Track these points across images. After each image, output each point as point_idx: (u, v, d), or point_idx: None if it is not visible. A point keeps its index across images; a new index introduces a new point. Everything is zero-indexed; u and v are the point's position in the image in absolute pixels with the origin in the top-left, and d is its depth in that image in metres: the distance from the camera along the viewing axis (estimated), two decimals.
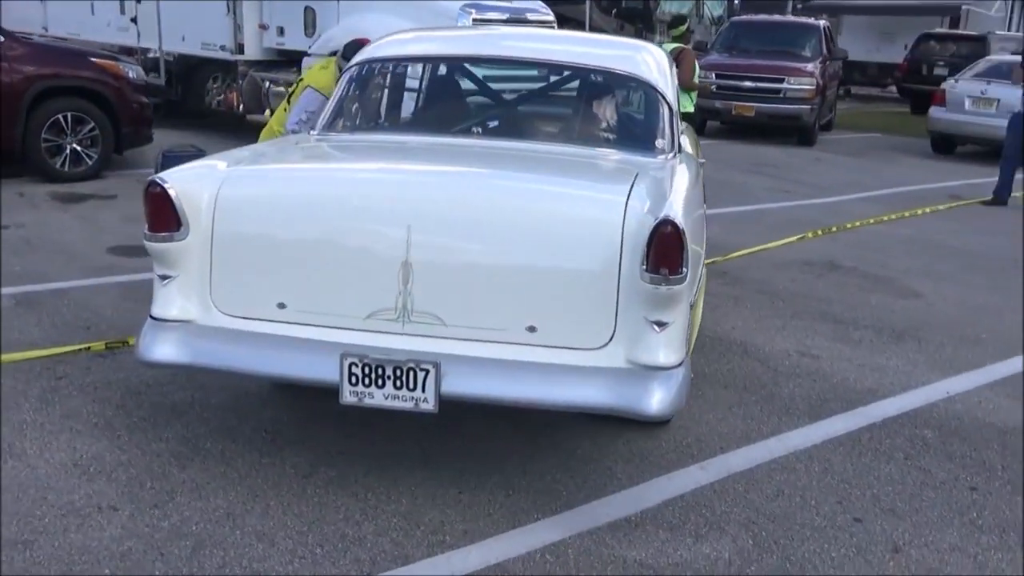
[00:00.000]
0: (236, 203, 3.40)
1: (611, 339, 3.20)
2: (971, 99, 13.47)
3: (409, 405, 3.19)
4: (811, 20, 16.49)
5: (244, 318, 3.40)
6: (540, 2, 10.74)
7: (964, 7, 23.87)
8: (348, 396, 3.22)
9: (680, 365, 3.20)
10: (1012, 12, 24.93)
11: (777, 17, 17.77)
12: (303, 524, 3.28)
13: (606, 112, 4.45)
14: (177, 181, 3.38)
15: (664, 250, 3.07)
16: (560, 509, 3.46)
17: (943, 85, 14.34)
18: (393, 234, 3.25)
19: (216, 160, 3.69)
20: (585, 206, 3.37)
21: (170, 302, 3.45)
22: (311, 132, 4.47)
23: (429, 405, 3.17)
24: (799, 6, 26.61)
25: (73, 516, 3.24)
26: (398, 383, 3.17)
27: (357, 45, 5.11)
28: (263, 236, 3.40)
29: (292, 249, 3.38)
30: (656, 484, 3.67)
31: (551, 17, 10.43)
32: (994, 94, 13.17)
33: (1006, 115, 11.11)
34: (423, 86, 4.70)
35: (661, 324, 3.16)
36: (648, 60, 4.51)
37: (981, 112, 13.27)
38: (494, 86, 4.80)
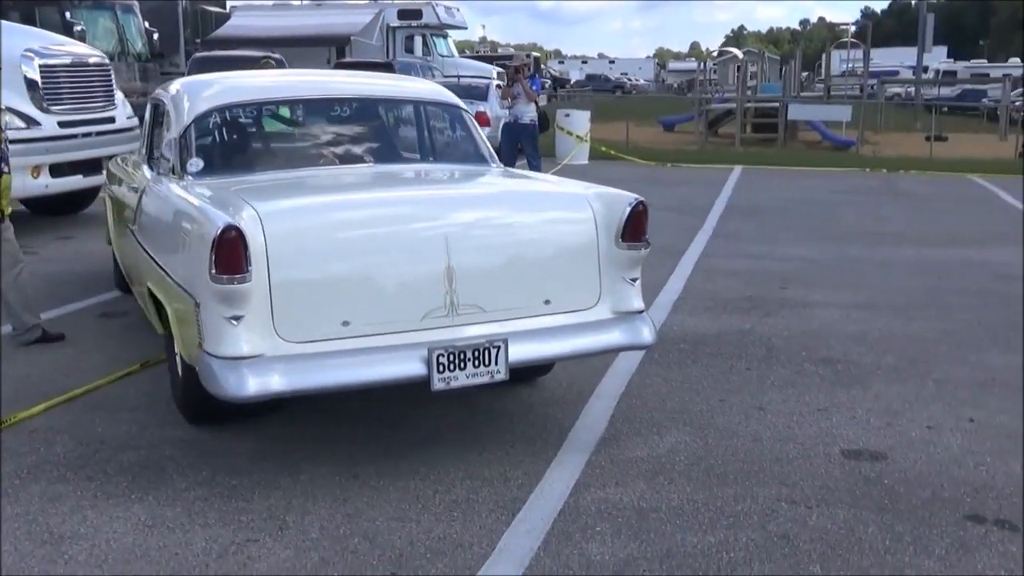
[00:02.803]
0: (286, 239, 3.71)
1: (599, 299, 4.23)
2: None
3: (486, 379, 3.89)
4: None
5: (311, 341, 3.73)
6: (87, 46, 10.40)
7: (353, 37, 26.83)
8: (437, 383, 3.80)
9: (645, 308, 4.36)
10: (388, 41, 28.58)
11: (229, 52, 18.47)
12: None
13: (444, 133, 5.29)
14: (240, 223, 3.58)
15: (635, 227, 4.20)
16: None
17: None
18: (435, 245, 3.89)
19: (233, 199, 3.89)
20: (567, 209, 4.32)
21: (241, 340, 3.63)
22: (184, 175, 4.60)
23: (502, 374, 3.91)
24: None
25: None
26: (476, 363, 3.85)
27: None
28: (318, 267, 3.76)
29: (346, 272, 3.80)
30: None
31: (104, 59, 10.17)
32: None
33: None
34: (272, 129, 5.04)
35: (634, 279, 4.28)
36: (446, 90, 5.46)
37: None
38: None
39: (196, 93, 5.02)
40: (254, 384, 3.59)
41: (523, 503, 3.79)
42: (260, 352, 3.66)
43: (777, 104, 22.87)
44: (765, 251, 9.17)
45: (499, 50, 64.43)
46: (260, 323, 3.67)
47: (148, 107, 6.05)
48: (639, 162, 17.46)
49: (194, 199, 4.16)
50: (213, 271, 3.55)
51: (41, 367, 5.40)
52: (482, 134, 5.28)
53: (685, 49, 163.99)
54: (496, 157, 5.25)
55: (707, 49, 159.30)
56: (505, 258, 4.07)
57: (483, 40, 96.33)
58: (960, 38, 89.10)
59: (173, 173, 4.80)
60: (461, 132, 5.27)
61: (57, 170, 9.08)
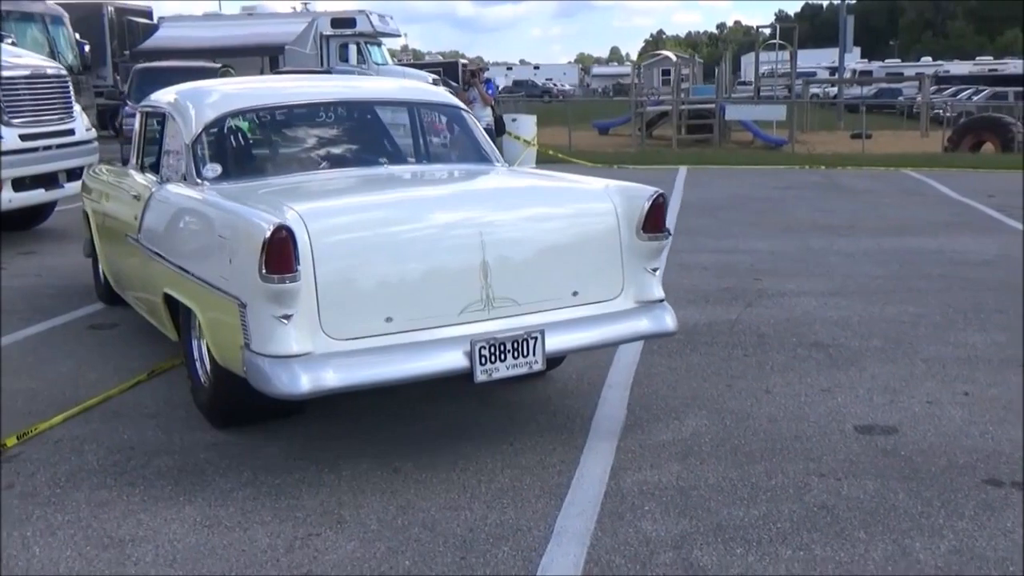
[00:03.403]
0: (329, 238, 3.77)
1: (623, 289, 4.38)
2: None
3: (525, 369, 4.01)
4: None
5: (356, 338, 3.80)
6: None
7: (287, 46, 26.64)
8: (480, 375, 3.90)
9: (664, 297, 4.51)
10: (322, 50, 28.46)
11: (178, 63, 18.23)
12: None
13: (449, 134, 5.39)
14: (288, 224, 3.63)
15: (655, 218, 4.35)
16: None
17: None
18: (471, 241, 3.99)
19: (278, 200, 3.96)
20: (590, 203, 4.44)
21: (291, 338, 3.69)
22: (200, 181, 4.63)
23: (539, 364, 4.02)
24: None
25: None
26: (516, 354, 3.96)
27: None
28: (361, 265, 3.84)
29: (386, 269, 3.88)
30: None
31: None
32: None
33: None
34: (285, 133, 5.07)
35: (655, 270, 4.44)
36: (445, 92, 5.56)
37: None
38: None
39: (205, 99, 5.04)
40: (307, 381, 3.65)
41: (567, 488, 3.90)
42: (309, 350, 3.72)
43: (712, 106, 23.39)
44: (730, 245, 9.43)
45: (426, 58, 64.37)
46: (308, 321, 3.72)
47: (140, 116, 6.03)
48: (586, 164, 17.69)
49: (226, 203, 4.19)
50: (264, 271, 3.60)
51: (47, 381, 5.34)
52: (484, 134, 5.39)
53: (605, 54, 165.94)
54: (500, 156, 5.37)
55: (627, 54, 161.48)
56: (535, 252, 4.19)
57: (404, 48, 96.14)
58: (872, 39, 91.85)
59: (185, 180, 4.81)
60: (465, 132, 5.37)
61: (19, 184, 8.92)
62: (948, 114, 33.43)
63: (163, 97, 5.59)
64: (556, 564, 3.30)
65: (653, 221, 4.35)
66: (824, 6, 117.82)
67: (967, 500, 3.76)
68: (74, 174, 9.66)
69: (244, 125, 4.90)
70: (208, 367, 4.58)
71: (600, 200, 4.41)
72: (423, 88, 5.69)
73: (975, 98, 35.84)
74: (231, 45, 26.04)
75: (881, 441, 4.37)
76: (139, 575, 3.25)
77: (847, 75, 42.47)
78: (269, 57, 26.94)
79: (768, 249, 9.24)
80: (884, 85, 45.28)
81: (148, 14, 30.72)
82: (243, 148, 4.90)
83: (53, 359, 5.75)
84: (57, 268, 8.46)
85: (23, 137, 8.96)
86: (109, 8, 27.62)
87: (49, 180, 9.28)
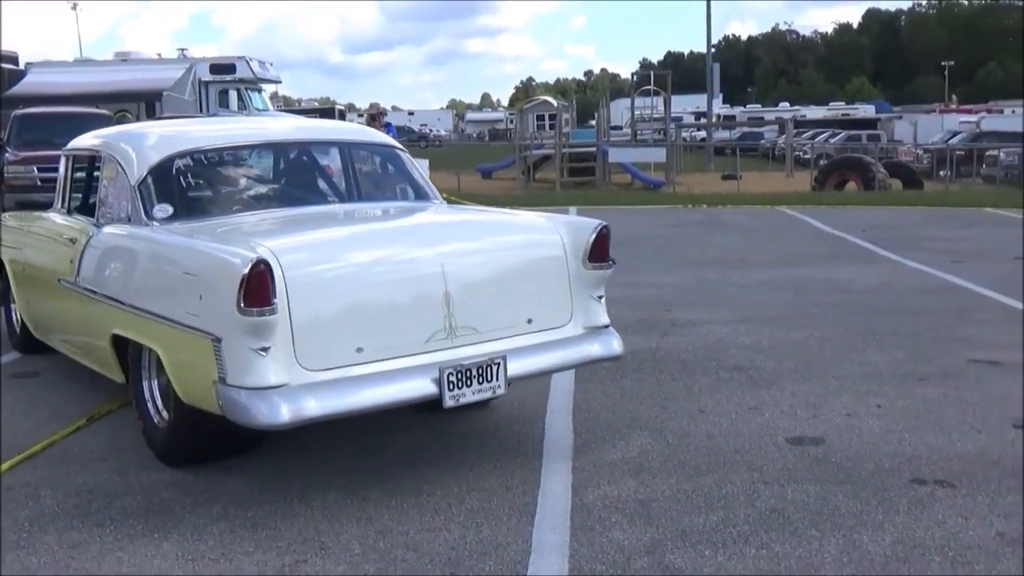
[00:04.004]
0: (300, 272, 3.89)
1: (571, 317, 4.62)
2: None
3: (489, 394, 4.20)
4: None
5: (330, 368, 3.92)
6: None
7: (165, 92, 26.18)
8: (448, 401, 4.06)
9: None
10: (201, 96, 28.06)
11: (63, 109, 17.72)
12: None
13: (388, 173, 5.53)
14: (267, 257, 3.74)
15: (600, 248, 4.62)
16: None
17: None
18: (433, 272, 4.17)
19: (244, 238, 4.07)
20: (539, 234, 4.67)
21: (268, 370, 3.78)
22: (149, 222, 4.66)
23: (502, 389, 4.22)
24: None
25: None
26: (480, 379, 4.14)
27: None
28: (331, 298, 3.96)
29: (355, 301, 4.02)
30: None
31: None
32: None
33: None
34: (232, 173, 5.13)
35: (600, 297, 4.70)
36: (380, 133, 5.74)
37: None
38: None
39: (148, 141, 5.09)
40: (287, 411, 3.74)
41: (535, 505, 4.09)
42: (286, 381, 3.81)
43: (593, 149, 24.14)
44: (635, 279, 9.80)
45: (299, 104, 64.05)
46: (284, 353, 3.82)
47: (66, 160, 5.99)
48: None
49: (189, 241, 4.25)
50: (242, 304, 3.68)
51: None
52: (421, 172, 5.59)
53: (477, 100, 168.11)
54: (438, 194, 5.57)
55: (498, 100, 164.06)
56: (492, 281, 4.39)
57: (275, 96, 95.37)
58: (731, 86, 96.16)
59: (130, 221, 4.83)
60: (402, 171, 5.55)
61: None
62: (808, 156, 35.44)
63: (96, 140, 5.58)
64: (543, 574, 3.47)
65: (598, 251, 4.62)
66: (685, 54, 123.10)
67: (899, 498, 4.11)
68: None
69: (190, 166, 4.94)
70: (161, 406, 4.60)
71: (548, 232, 4.66)
72: (360, 129, 5.86)
73: (831, 140, 38.09)
74: (106, 91, 25.38)
75: (812, 451, 4.71)
76: None
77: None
78: (146, 103, 26.44)
79: (670, 282, 9.67)
80: (747, 129, 47.63)
81: (14, 59, 29.75)
82: (191, 188, 4.94)
83: None
84: None
85: None
86: None
87: None
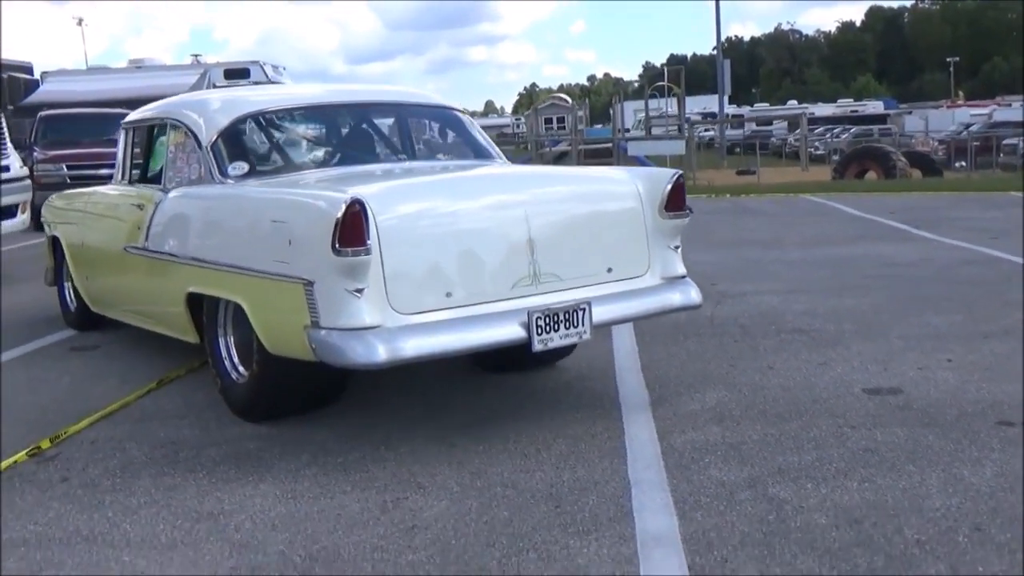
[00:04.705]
0: (391, 217, 3.90)
1: (649, 267, 4.61)
2: None
3: (576, 339, 4.20)
4: None
5: (420, 312, 3.92)
6: None
7: None
8: (537, 344, 4.06)
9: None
10: None
11: (85, 109, 17.83)
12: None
13: (453, 133, 5.55)
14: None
15: (677, 197, 4.62)
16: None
17: None
18: (517, 220, 4.17)
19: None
20: (616, 185, 4.67)
21: (363, 311, 3.78)
22: (225, 180, 4.68)
23: (588, 335, 4.21)
24: None
25: None
26: (567, 324, 4.14)
27: None
28: (421, 242, 3.97)
29: (445, 246, 4.03)
30: None
31: None
32: None
33: None
34: (301, 133, 5.15)
35: (676, 247, 4.70)
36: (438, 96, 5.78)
37: None
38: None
39: (215, 105, 5.12)
40: (384, 351, 3.74)
41: (624, 450, 4.08)
42: (379, 323, 3.81)
43: (609, 144, 24.17)
44: None
45: None
46: (377, 296, 3.82)
47: (126, 133, 6.01)
48: None
49: (274, 191, 4.27)
50: (337, 246, 3.69)
51: (50, 397, 5.23)
52: (483, 133, 5.59)
53: (481, 107, 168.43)
54: (501, 153, 5.57)
55: (501, 107, 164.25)
56: (572, 230, 4.39)
57: None
58: (735, 86, 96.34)
59: (201, 182, 4.85)
60: (465, 133, 5.55)
61: None
62: (822, 151, 35.43)
63: (159, 110, 5.60)
64: (647, 506, 3.46)
65: (674, 200, 4.62)
66: (688, 57, 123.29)
67: (990, 438, 4.08)
68: (8, 212, 9.40)
69: (260, 126, 4.96)
70: (239, 363, 4.61)
71: (625, 183, 4.66)
72: (419, 92, 5.87)
73: (843, 136, 38.10)
74: (121, 98, 25.34)
75: (892, 400, 4.69)
76: (245, 541, 3.26)
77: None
78: None
79: (709, 260, 9.62)
80: (756, 128, 47.63)
81: (29, 69, 29.87)
82: (262, 148, 4.98)
83: (47, 379, 5.61)
84: (10, 302, 8.20)
85: None
86: None
87: None
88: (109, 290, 5.99)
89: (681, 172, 4.69)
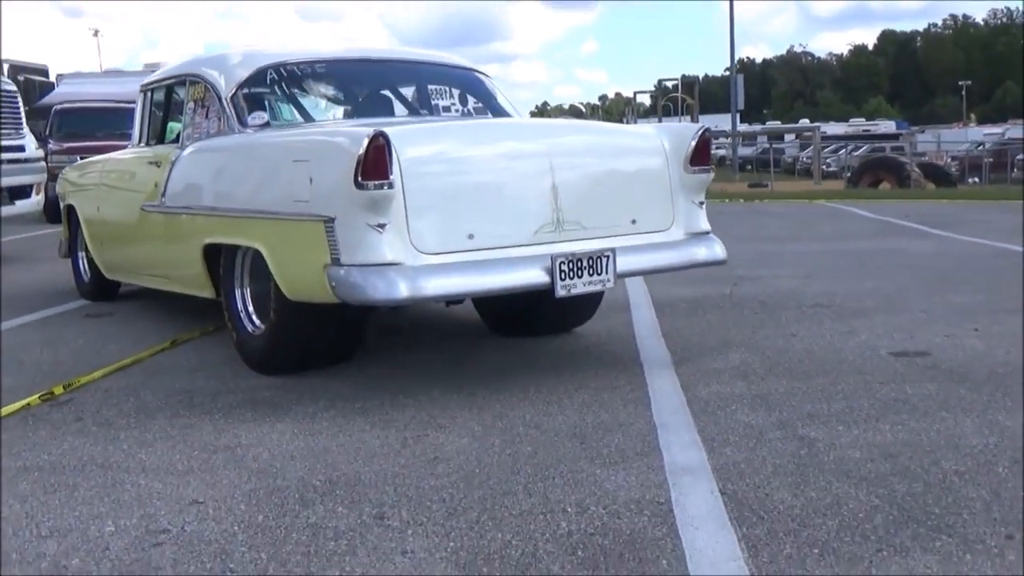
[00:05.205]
0: (414, 155, 3.84)
1: (673, 221, 4.54)
2: None
3: (599, 287, 4.12)
4: None
5: (442, 253, 3.85)
6: None
7: None
8: (560, 290, 3.98)
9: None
10: None
11: (98, 102, 17.97)
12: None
13: (470, 94, 5.49)
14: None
15: (702, 151, 4.55)
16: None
17: None
18: (541, 165, 4.11)
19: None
20: (641, 139, 4.61)
21: (385, 247, 3.72)
22: (244, 129, 4.63)
23: (611, 283, 4.14)
24: None
25: None
26: (591, 271, 4.06)
27: None
28: (443, 181, 3.91)
29: (468, 188, 3.96)
30: None
31: None
32: None
33: None
34: (331, 85, 5.11)
35: (701, 203, 4.62)
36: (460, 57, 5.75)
37: None
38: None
39: (234, 59, 5.07)
40: (405, 287, 3.67)
41: (647, 399, 3.99)
42: (401, 261, 3.75)
43: None
44: None
45: None
46: (399, 233, 3.76)
47: (144, 95, 5.99)
48: None
49: (294, 133, 4.22)
50: (359, 179, 3.62)
51: (66, 353, 5.17)
52: (506, 95, 5.53)
53: None
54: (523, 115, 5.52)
55: None
56: (597, 180, 4.33)
57: None
58: (747, 107, 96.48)
59: (220, 135, 4.80)
60: (488, 93, 5.50)
61: None
62: (834, 168, 35.32)
63: (178, 68, 5.56)
64: (675, 443, 3.37)
65: (700, 155, 4.55)
66: (700, 77, 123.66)
67: (1019, 397, 3.99)
68: (23, 192, 9.38)
69: (280, 77, 4.92)
70: (255, 315, 4.55)
71: (651, 138, 4.60)
72: (442, 53, 5.82)
73: (855, 153, 38.00)
74: (134, 100, 25.56)
75: (919, 361, 4.59)
76: (263, 469, 3.18)
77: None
78: None
79: (729, 251, 9.54)
80: (767, 144, 47.56)
81: (44, 72, 30.02)
82: (282, 99, 4.93)
83: (62, 339, 5.56)
84: (25, 278, 8.17)
85: None
86: (4, 66, 26.88)
87: (3, 195, 8.98)
88: (125, 253, 5.94)
89: (707, 127, 4.62)
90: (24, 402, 4.05)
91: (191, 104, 5.17)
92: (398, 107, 5.19)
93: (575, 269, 4.01)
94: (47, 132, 16.24)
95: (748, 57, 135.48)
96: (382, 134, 3.65)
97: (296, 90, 4.99)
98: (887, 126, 58.68)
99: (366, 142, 3.62)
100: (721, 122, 51.89)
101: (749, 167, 41.81)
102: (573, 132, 4.66)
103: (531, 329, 5.18)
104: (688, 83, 49.98)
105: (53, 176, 15.06)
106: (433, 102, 5.30)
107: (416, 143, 3.93)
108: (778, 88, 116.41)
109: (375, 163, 3.63)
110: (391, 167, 3.68)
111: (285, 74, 4.94)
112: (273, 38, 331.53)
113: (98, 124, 15.87)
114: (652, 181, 4.50)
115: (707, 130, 4.60)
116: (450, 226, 3.90)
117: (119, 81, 28.35)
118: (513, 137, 4.33)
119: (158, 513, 2.79)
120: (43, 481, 3.11)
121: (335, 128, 4.06)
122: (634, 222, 4.39)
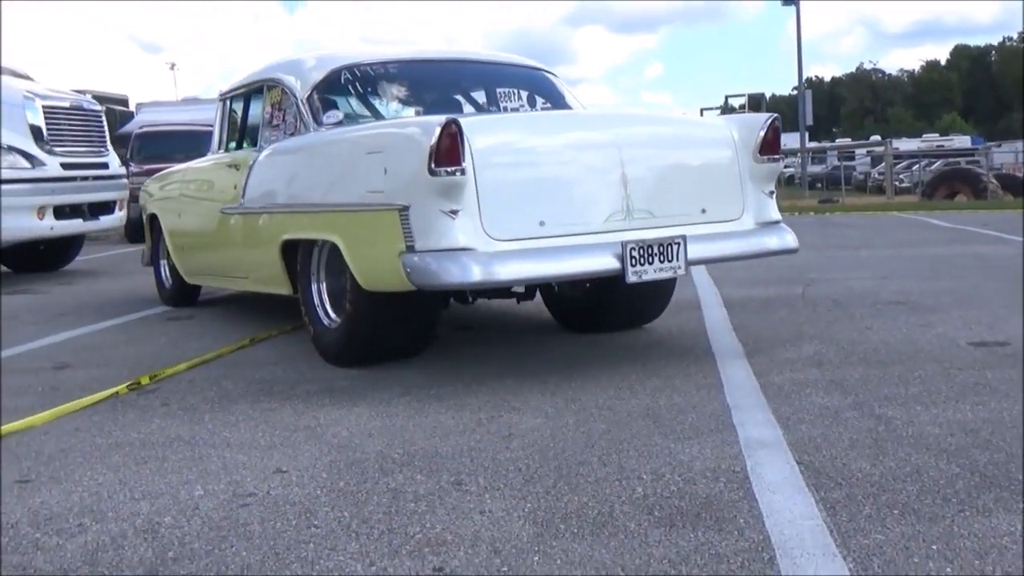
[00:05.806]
0: (486, 144, 3.91)
1: (743, 210, 4.54)
2: None
3: (670, 273, 4.14)
4: None
5: (514, 239, 3.91)
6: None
7: None
8: (631, 276, 4.01)
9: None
10: None
11: (176, 125, 18.60)
12: None
13: (543, 92, 5.56)
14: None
15: (772, 141, 4.55)
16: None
17: None
18: (611, 154, 4.15)
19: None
20: (711, 129, 4.64)
21: (458, 233, 3.79)
22: (320, 127, 4.77)
23: (682, 270, 4.15)
24: None
25: None
26: (662, 257, 4.08)
27: None
28: (514, 169, 3.99)
29: (538, 176, 4.02)
30: None
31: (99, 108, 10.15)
32: None
33: None
34: (404, 85, 5.24)
35: (771, 192, 4.61)
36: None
37: None
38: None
39: (309, 63, 5.21)
40: (479, 271, 3.73)
41: (720, 385, 3.98)
42: (474, 246, 3.81)
43: None
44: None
45: None
46: (471, 219, 3.83)
47: (222, 103, 6.18)
48: None
49: (368, 127, 4.32)
50: (433, 166, 3.70)
51: (149, 351, 5.32)
52: (574, 94, 5.59)
53: None
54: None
55: None
56: (666, 170, 4.36)
57: None
58: (816, 125, 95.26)
59: (297, 135, 4.94)
60: (555, 91, 5.56)
61: (60, 212, 8.94)
62: (907, 184, 34.64)
63: (255, 75, 5.74)
64: (749, 421, 3.37)
65: (769, 144, 4.55)
66: (768, 96, 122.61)
67: None
68: (107, 208, 9.71)
69: (354, 77, 5.05)
70: (331, 309, 4.65)
71: (720, 128, 4.61)
72: (513, 56, 5.90)
73: (929, 168, 37.26)
74: (212, 127, 26.27)
75: (999, 351, 4.50)
76: (343, 444, 3.26)
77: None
78: None
79: (799, 257, 9.43)
80: (836, 163, 46.90)
81: (124, 101, 31.04)
82: (356, 98, 5.06)
83: (145, 338, 5.74)
84: (109, 289, 8.45)
85: (64, 166, 9.02)
86: (89, 96, 27.89)
87: (86, 211, 9.31)
88: (206, 257, 6.12)
89: (777, 115, 4.62)
90: (112, 390, 4.20)
91: (268, 108, 5.33)
92: (467, 108, 5.28)
93: (646, 255, 4.04)
94: (128, 156, 16.79)
95: (816, 76, 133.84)
96: (454, 121, 3.74)
97: (369, 90, 5.11)
98: (962, 141, 57.40)
99: (439, 130, 3.70)
100: (788, 140, 51.35)
101: (819, 185, 41.30)
102: (642, 123, 4.68)
103: (601, 325, 5.21)
104: (755, 100, 49.67)
105: (134, 197, 15.67)
106: (502, 104, 5.38)
107: (487, 132, 4.00)
108: (847, 106, 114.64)
109: (448, 150, 3.71)
110: (463, 154, 3.75)
111: (359, 74, 5.07)
112: None
113: (177, 146, 16.38)
114: (721, 171, 4.51)
115: (776, 119, 4.60)
116: (521, 213, 3.95)
117: (195, 108, 29.24)
118: (582, 127, 4.39)
119: (244, 480, 2.88)
120: (134, 454, 3.23)
121: (408, 120, 4.15)
122: (704, 211, 4.40)
